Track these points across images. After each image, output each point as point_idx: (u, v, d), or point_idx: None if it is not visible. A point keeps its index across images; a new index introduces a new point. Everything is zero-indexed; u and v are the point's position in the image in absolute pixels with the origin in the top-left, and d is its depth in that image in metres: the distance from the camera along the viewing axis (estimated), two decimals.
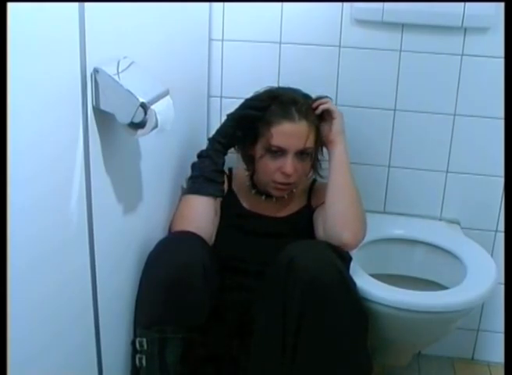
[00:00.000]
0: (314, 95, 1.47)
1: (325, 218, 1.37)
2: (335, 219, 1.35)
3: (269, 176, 1.41)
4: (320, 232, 1.42)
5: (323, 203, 1.43)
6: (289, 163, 1.37)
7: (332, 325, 1.17)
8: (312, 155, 1.43)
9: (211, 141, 1.44)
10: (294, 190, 1.53)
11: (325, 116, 1.42)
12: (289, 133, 1.37)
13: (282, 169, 1.38)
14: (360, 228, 1.35)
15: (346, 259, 1.29)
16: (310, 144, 1.39)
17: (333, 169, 1.39)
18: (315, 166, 1.50)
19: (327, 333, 1.17)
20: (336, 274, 1.17)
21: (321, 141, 1.44)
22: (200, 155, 1.44)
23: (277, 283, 1.18)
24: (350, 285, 1.21)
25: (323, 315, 1.16)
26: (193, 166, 1.44)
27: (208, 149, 1.44)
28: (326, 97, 1.44)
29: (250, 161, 1.48)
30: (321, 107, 1.41)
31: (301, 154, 1.39)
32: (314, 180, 1.59)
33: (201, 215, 1.37)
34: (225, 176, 1.56)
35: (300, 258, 1.17)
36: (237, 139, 1.45)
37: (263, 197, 1.52)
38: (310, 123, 1.38)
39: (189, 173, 1.45)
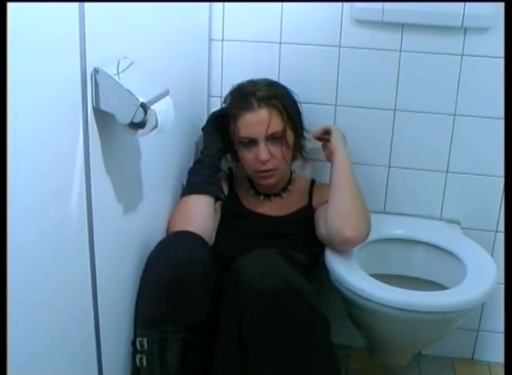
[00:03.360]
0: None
1: (327, 215, 1.39)
2: (336, 216, 1.36)
3: (250, 167, 1.46)
4: (321, 231, 1.43)
5: (325, 203, 1.44)
6: (261, 150, 1.41)
7: (285, 334, 1.12)
8: (286, 138, 1.44)
9: (202, 156, 1.47)
10: (291, 188, 1.54)
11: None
12: (252, 122, 1.41)
13: (257, 158, 1.42)
14: (362, 224, 1.36)
15: (302, 266, 1.25)
16: (276, 128, 1.42)
17: (335, 170, 1.44)
18: (297, 149, 1.52)
19: (280, 343, 1.13)
20: (283, 283, 1.12)
21: (292, 123, 1.45)
22: (196, 162, 1.47)
23: (229, 297, 1.17)
24: (298, 292, 1.14)
25: (273, 325, 1.12)
26: (191, 171, 1.45)
27: (204, 156, 1.46)
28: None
29: (238, 163, 1.53)
30: (320, 131, 1.55)
31: (272, 139, 1.42)
32: (314, 181, 1.60)
33: (201, 214, 1.38)
34: (226, 177, 1.57)
35: (246, 269, 1.15)
36: (222, 144, 1.49)
37: (261, 196, 1.54)
38: (270, 107, 1.41)
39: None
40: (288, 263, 1.18)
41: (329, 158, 1.49)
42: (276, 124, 1.42)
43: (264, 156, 1.41)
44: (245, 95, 1.43)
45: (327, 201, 1.43)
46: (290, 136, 1.46)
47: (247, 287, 1.13)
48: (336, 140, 1.48)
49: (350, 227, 1.34)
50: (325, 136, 1.54)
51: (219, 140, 1.49)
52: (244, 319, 1.14)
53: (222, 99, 1.54)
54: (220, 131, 1.50)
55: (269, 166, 1.43)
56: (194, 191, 1.39)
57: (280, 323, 1.12)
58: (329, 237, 1.40)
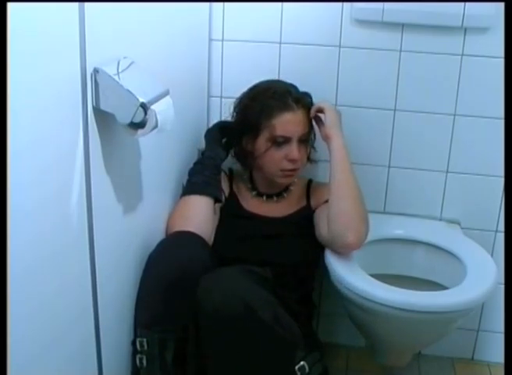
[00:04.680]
0: (313, 97, 1.50)
1: (329, 218, 1.39)
2: (338, 220, 1.36)
3: (277, 166, 1.46)
4: (322, 232, 1.43)
5: (324, 203, 1.44)
6: (295, 149, 1.43)
7: (242, 358, 1.13)
8: (308, 141, 1.50)
9: (203, 157, 1.47)
10: (292, 188, 1.55)
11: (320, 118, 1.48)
12: (291, 122, 1.43)
13: (289, 157, 1.43)
14: (363, 228, 1.36)
15: (266, 279, 1.23)
16: (307, 129, 1.46)
17: (334, 166, 1.41)
18: (309, 153, 1.54)
19: (238, 368, 1.14)
20: (240, 304, 1.10)
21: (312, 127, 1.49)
22: (197, 163, 1.46)
23: (193, 319, 1.17)
24: (257, 314, 1.11)
25: (230, 348, 1.13)
26: (191, 171, 1.45)
27: (205, 157, 1.46)
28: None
29: (247, 159, 1.51)
30: (314, 108, 1.47)
31: (302, 140, 1.45)
32: (311, 180, 1.60)
33: (200, 214, 1.37)
34: (226, 177, 1.57)
35: (205, 291, 1.14)
36: (223, 152, 1.50)
37: (264, 197, 1.54)
38: (305, 109, 1.46)
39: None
40: (252, 281, 1.16)
41: (325, 140, 1.46)
42: (307, 125, 1.46)
43: (296, 155, 1.43)
44: (282, 95, 1.44)
45: (326, 202, 1.43)
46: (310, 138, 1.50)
47: (204, 310, 1.13)
48: (330, 122, 1.44)
49: (352, 232, 1.35)
50: (319, 113, 1.49)
51: (221, 147, 1.49)
52: (203, 338, 1.15)
53: (236, 101, 1.52)
54: (225, 141, 1.51)
55: (297, 165, 1.45)
56: (194, 192, 1.39)
57: (234, 346, 1.13)
58: (331, 241, 1.40)
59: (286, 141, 1.43)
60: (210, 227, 1.40)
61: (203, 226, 1.36)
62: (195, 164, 1.47)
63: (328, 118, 1.44)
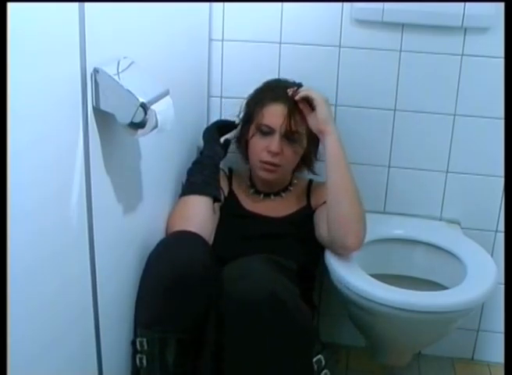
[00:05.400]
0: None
1: (328, 221, 1.39)
2: (337, 224, 1.36)
3: (257, 156, 1.46)
4: (322, 233, 1.43)
5: (323, 204, 1.44)
6: (275, 141, 1.42)
7: (263, 345, 1.13)
8: (300, 142, 1.46)
9: (202, 156, 1.47)
10: (291, 188, 1.54)
11: (310, 106, 1.43)
12: (277, 113, 1.42)
13: (268, 148, 1.43)
14: (361, 230, 1.37)
15: (292, 272, 1.24)
16: (295, 127, 1.42)
17: (329, 166, 1.40)
18: (309, 163, 1.53)
19: (258, 355, 1.13)
20: (264, 291, 1.11)
21: (311, 133, 1.45)
22: (196, 162, 1.47)
23: (214, 308, 1.18)
24: (281, 302, 1.12)
25: (252, 335, 1.12)
26: (190, 171, 1.45)
27: (204, 156, 1.47)
28: (301, 85, 1.48)
29: (246, 148, 1.52)
30: (300, 94, 1.42)
31: (290, 138, 1.44)
32: (311, 181, 1.60)
33: (200, 214, 1.37)
34: (226, 177, 1.57)
35: (228, 278, 1.15)
36: (222, 151, 1.50)
37: (261, 196, 1.54)
38: (297, 107, 1.43)
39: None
40: (277, 271, 1.17)
41: (317, 134, 1.43)
42: (297, 124, 1.43)
43: (275, 148, 1.42)
44: (277, 89, 1.46)
45: (325, 202, 1.43)
46: (304, 143, 1.47)
47: (227, 299, 1.13)
48: (324, 115, 1.40)
49: (351, 236, 1.35)
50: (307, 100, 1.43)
51: (219, 146, 1.50)
52: (225, 329, 1.15)
53: (249, 97, 1.52)
54: (224, 140, 1.52)
55: (276, 160, 1.44)
56: (194, 192, 1.39)
57: (257, 334, 1.12)
58: (330, 242, 1.41)
59: (271, 132, 1.43)
60: (210, 227, 1.40)
61: (203, 225, 1.36)
62: (194, 164, 1.47)
63: (320, 111, 1.40)
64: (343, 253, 1.40)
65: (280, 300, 1.12)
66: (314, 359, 1.19)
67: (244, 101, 1.53)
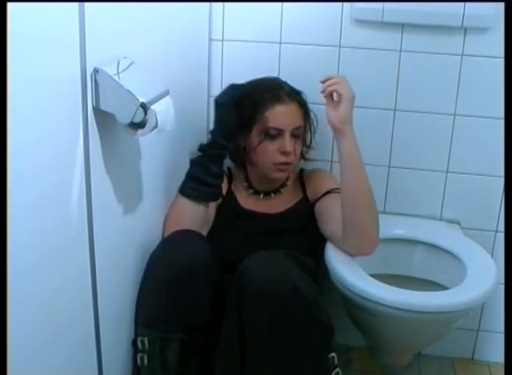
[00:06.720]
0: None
1: (343, 226, 1.38)
2: (355, 231, 1.37)
3: (270, 159, 1.45)
4: (329, 228, 1.44)
5: (325, 196, 1.45)
6: (287, 141, 1.42)
7: (283, 337, 1.12)
8: (303, 135, 1.50)
9: (213, 136, 1.43)
10: (289, 183, 1.56)
11: (333, 99, 1.37)
12: (283, 114, 1.43)
13: (281, 149, 1.43)
14: (377, 235, 1.38)
15: (309, 268, 1.24)
16: (300, 122, 1.46)
17: (346, 169, 1.36)
18: (303, 153, 1.54)
19: (277, 346, 1.12)
20: (288, 284, 1.11)
21: (309, 124, 1.50)
22: (200, 149, 1.44)
23: (232, 296, 1.17)
24: (303, 295, 1.12)
25: (273, 327, 1.11)
26: (192, 162, 1.44)
27: (208, 146, 1.43)
28: (335, 77, 1.37)
29: (241, 157, 1.51)
30: (329, 89, 1.36)
31: (295, 134, 1.45)
32: (302, 170, 1.60)
33: (188, 219, 1.37)
34: (225, 177, 1.57)
35: (251, 269, 1.15)
36: (234, 126, 1.43)
37: (261, 195, 1.54)
38: (298, 102, 1.46)
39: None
40: (297, 266, 1.17)
41: (332, 130, 1.36)
42: (300, 120, 1.46)
43: (289, 148, 1.42)
44: (274, 88, 1.45)
45: (326, 193, 1.43)
46: (303, 135, 1.50)
47: (248, 289, 1.13)
48: (345, 114, 1.33)
49: (368, 242, 1.37)
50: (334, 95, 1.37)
51: (235, 117, 1.41)
52: (245, 321, 1.14)
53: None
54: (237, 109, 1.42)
55: (290, 159, 1.45)
56: (186, 195, 1.39)
57: (278, 328, 1.12)
58: (342, 244, 1.41)
59: (279, 133, 1.43)
60: (207, 227, 1.44)
61: (198, 229, 1.36)
62: (201, 156, 1.42)
63: (344, 109, 1.33)
64: (354, 255, 1.41)
65: (301, 292, 1.12)
66: (330, 355, 1.18)
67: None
